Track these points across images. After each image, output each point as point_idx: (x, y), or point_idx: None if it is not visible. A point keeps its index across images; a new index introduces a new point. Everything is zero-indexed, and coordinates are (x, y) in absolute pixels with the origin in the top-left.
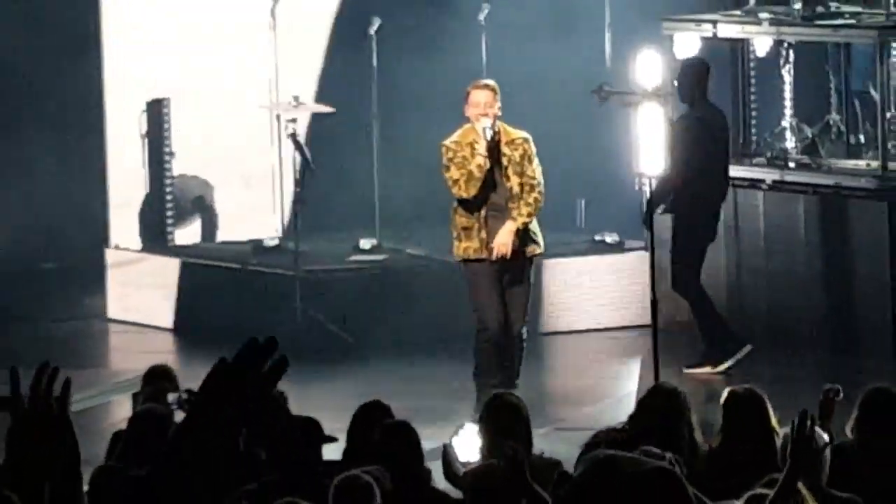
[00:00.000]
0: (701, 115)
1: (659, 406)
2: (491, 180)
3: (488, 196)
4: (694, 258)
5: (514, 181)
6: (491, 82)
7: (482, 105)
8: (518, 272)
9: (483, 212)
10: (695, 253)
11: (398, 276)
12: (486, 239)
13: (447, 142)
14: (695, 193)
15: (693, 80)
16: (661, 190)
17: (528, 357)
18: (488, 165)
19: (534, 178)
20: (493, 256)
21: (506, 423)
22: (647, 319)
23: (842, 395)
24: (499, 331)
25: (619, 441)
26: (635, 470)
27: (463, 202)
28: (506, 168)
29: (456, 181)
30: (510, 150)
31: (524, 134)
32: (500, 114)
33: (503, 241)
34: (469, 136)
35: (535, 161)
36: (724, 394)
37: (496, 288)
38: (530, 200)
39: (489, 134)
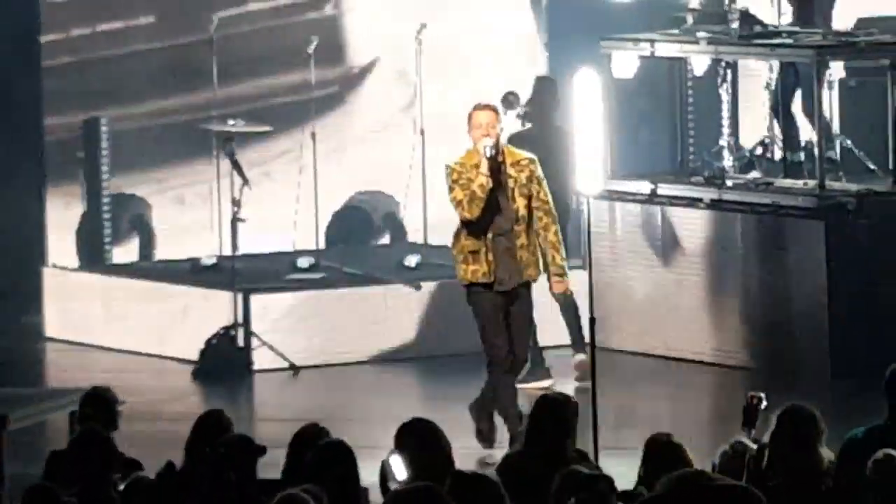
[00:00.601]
0: (531, 133)
1: (546, 419)
2: (495, 202)
3: (493, 219)
4: None
5: (521, 203)
6: (492, 103)
7: (484, 126)
8: (523, 301)
9: (489, 234)
10: None
11: (337, 294)
12: (492, 262)
13: (452, 163)
14: None
15: (544, 97)
16: None
17: (469, 375)
18: (491, 185)
19: (547, 201)
20: (558, 291)
21: (420, 447)
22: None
23: (765, 403)
24: (507, 364)
25: (520, 464)
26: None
27: (469, 225)
28: (512, 190)
29: (459, 202)
30: (516, 171)
31: (529, 155)
32: (501, 134)
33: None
34: (474, 158)
35: (544, 182)
36: (646, 441)
37: (501, 319)
38: (556, 237)
39: (490, 152)
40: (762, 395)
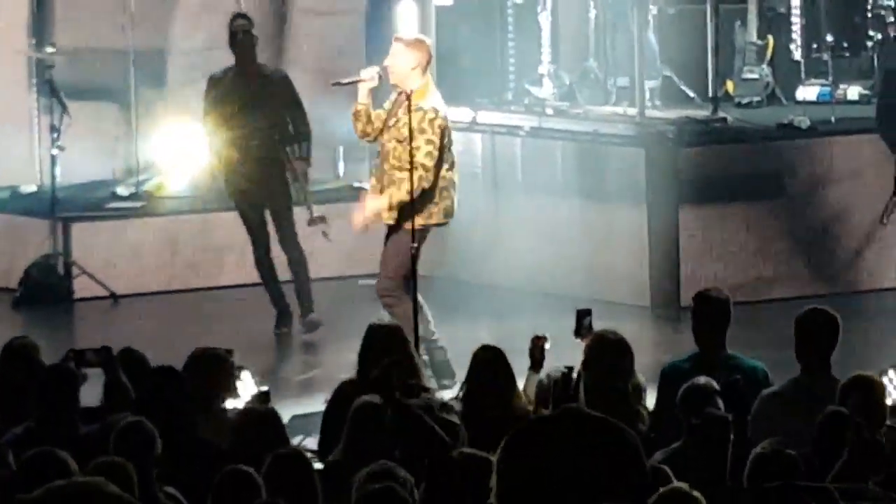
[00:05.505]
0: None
1: (379, 346)
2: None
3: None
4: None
5: (389, 137)
6: (404, 35)
7: (389, 56)
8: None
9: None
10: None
11: (158, 221)
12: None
13: None
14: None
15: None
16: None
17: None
18: (359, 108)
19: (415, 152)
20: (355, 230)
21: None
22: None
23: (549, 343)
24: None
25: (354, 391)
26: None
27: None
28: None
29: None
30: (404, 113)
31: (431, 105)
32: (409, 71)
33: (368, 214)
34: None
35: (425, 138)
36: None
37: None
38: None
39: (361, 74)
40: (546, 335)
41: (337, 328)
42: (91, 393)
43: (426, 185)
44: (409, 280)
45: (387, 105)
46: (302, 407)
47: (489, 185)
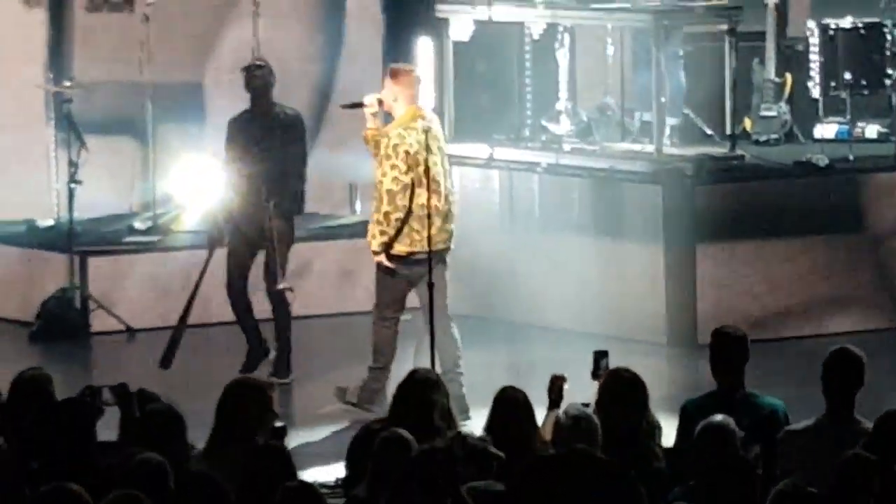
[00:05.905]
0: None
1: (414, 393)
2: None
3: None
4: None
5: (378, 172)
6: (394, 67)
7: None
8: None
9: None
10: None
11: (175, 256)
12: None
13: None
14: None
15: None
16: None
17: (297, 343)
18: (364, 133)
19: (380, 183)
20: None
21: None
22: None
23: (567, 384)
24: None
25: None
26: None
27: None
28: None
29: None
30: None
31: (397, 132)
32: (392, 102)
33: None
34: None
35: (389, 164)
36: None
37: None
38: (381, 218)
39: (364, 100)
40: (565, 375)
41: (353, 364)
42: (105, 429)
43: (391, 210)
44: (391, 307)
45: None
46: (314, 440)
47: (506, 222)
